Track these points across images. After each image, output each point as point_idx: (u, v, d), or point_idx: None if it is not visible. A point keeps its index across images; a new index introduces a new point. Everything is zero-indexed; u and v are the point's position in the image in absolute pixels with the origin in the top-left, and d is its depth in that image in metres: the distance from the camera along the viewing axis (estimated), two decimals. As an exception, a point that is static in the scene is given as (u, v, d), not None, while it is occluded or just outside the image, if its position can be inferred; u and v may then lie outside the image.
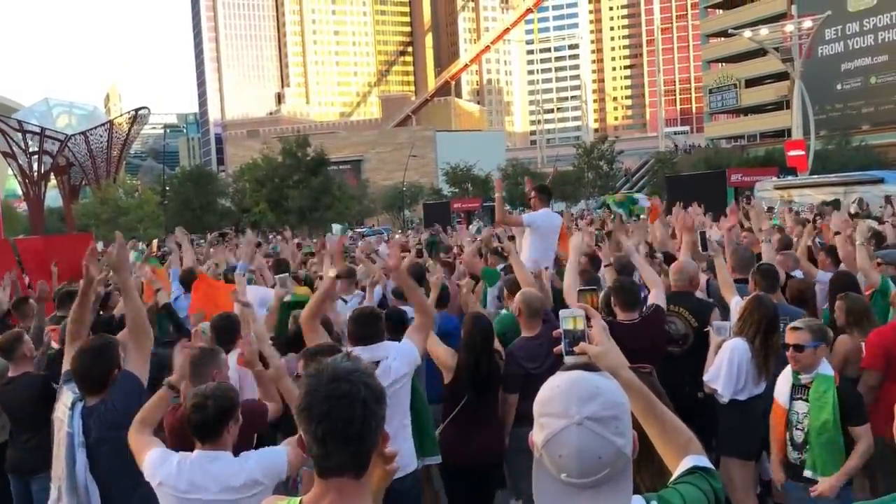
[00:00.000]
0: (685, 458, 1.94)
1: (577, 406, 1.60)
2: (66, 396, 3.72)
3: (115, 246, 4.07)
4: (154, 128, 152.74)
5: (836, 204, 10.02)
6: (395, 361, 4.16)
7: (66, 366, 3.87)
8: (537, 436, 1.64)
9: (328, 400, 1.71)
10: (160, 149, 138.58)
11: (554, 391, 1.66)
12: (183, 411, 3.24)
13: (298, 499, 1.83)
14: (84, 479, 3.51)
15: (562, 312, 2.03)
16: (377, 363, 4.05)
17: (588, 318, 2.01)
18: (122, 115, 77.55)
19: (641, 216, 15.14)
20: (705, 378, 5.00)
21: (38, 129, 67.91)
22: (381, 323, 4.38)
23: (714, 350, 5.01)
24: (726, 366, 4.84)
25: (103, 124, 73.46)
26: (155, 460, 3.14)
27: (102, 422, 3.56)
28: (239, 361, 4.24)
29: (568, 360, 1.97)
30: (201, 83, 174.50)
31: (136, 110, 74.02)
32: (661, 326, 5.48)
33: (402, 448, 4.10)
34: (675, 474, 1.93)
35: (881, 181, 25.61)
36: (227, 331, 4.84)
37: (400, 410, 4.20)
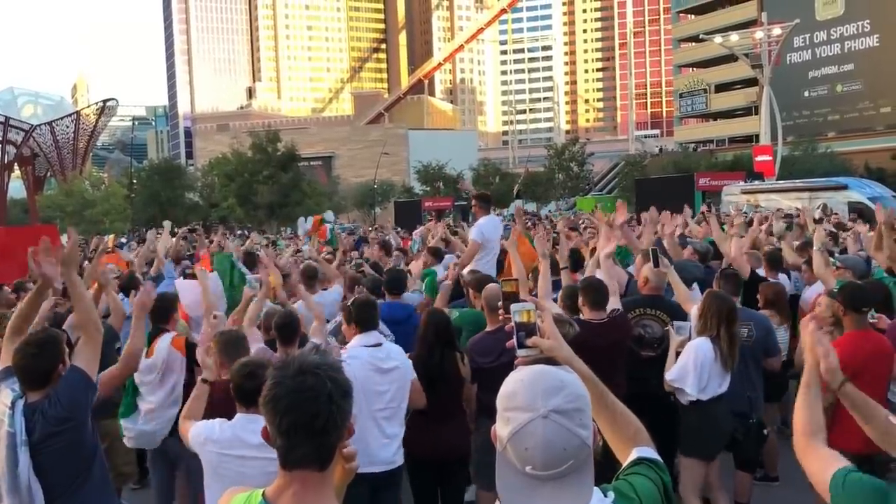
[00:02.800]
0: (633, 449, 1.97)
1: (542, 399, 1.61)
2: (5, 395, 3.58)
3: (69, 241, 4.06)
4: (122, 120, 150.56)
5: (788, 219, 10.26)
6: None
7: (3, 362, 3.73)
8: (502, 429, 1.64)
9: (294, 393, 1.71)
10: (128, 141, 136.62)
11: (518, 385, 1.67)
12: (223, 384, 3.78)
13: (261, 490, 1.83)
14: (27, 479, 3.37)
15: (513, 306, 2.04)
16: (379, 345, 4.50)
17: (539, 311, 2.03)
18: (89, 106, 76.23)
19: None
20: (668, 377, 5.04)
21: (1, 119, 66.66)
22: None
23: (674, 350, 5.06)
24: (692, 365, 4.89)
25: (70, 115, 72.42)
26: (199, 426, 3.56)
27: (47, 418, 3.44)
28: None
29: (521, 353, 1.97)
30: (171, 76, 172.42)
31: (105, 101, 72.96)
32: (628, 328, 5.53)
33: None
34: (624, 465, 1.96)
35: (845, 188, 26.12)
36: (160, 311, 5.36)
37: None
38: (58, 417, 3.46)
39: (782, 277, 7.50)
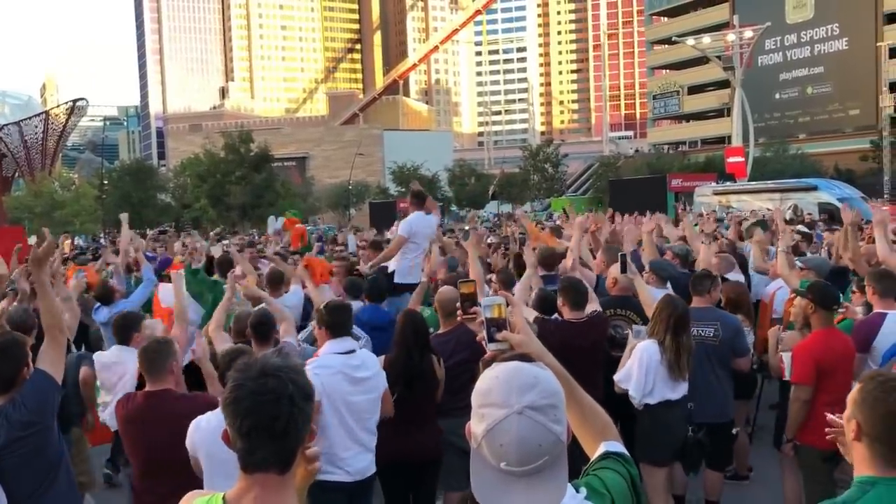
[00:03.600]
0: (601, 443, 1.99)
1: (517, 395, 1.61)
2: None
3: (44, 242, 4.00)
4: (93, 120, 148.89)
5: (762, 224, 10.39)
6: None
7: None
8: (476, 426, 1.64)
9: (254, 395, 1.69)
10: (99, 141, 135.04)
11: (492, 382, 1.67)
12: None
13: (222, 494, 1.80)
14: None
15: (483, 301, 2.05)
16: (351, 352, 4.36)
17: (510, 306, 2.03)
18: (59, 106, 75.15)
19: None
20: (616, 378, 5.06)
21: (-31, 118, 65.61)
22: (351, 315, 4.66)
23: (628, 352, 5.07)
24: (636, 368, 4.90)
25: (39, 114, 71.34)
26: (191, 427, 3.54)
27: (11, 423, 3.36)
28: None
29: (491, 346, 1.99)
30: (143, 75, 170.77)
31: (75, 101, 71.91)
32: (605, 328, 5.54)
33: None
34: (592, 459, 1.98)
35: (815, 188, 26.51)
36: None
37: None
38: (23, 422, 3.38)
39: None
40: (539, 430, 1.60)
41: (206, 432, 3.44)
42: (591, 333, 5.23)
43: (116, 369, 5.27)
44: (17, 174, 67.87)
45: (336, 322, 4.38)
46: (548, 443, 1.60)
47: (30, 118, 69.88)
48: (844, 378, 4.85)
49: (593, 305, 5.45)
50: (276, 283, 7.06)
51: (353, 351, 4.35)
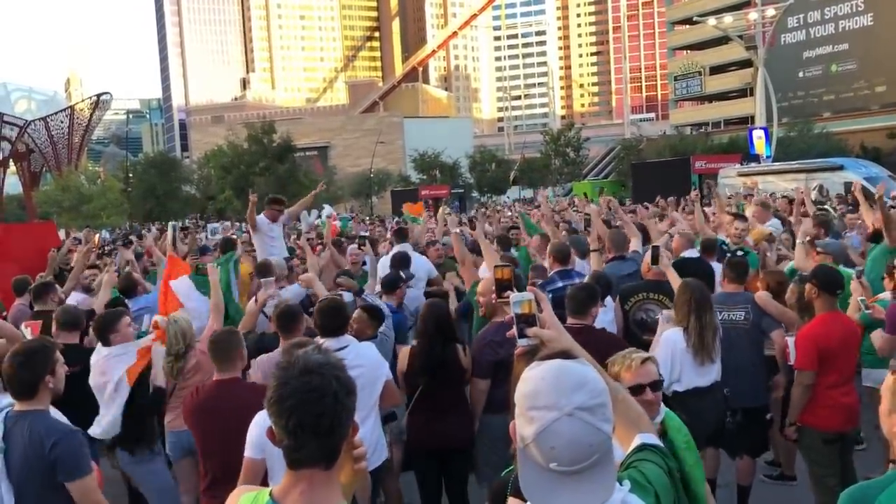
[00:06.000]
0: (636, 434, 2.00)
1: (566, 397, 1.63)
2: None
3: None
4: (116, 113, 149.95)
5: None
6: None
7: None
8: (525, 429, 1.65)
9: (299, 393, 1.73)
10: (123, 135, 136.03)
11: (539, 384, 1.68)
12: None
13: (268, 490, 1.85)
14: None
15: (511, 297, 2.05)
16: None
17: (538, 302, 2.04)
18: (83, 101, 75.88)
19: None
20: None
21: (-5, 115, 66.44)
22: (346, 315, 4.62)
23: (657, 339, 5.10)
24: (661, 356, 4.92)
25: (64, 110, 72.08)
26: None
27: (29, 457, 3.31)
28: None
29: (521, 342, 2.00)
30: (164, 68, 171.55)
31: (98, 95, 72.59)
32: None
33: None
34: (628, 452, 1.99)
35: (841, 168, 26.12)
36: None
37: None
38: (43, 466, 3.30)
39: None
40: (590, 430, 1.61)
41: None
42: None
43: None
44: (44, 169, 68.74)
45: (325, 325, 4.49)
46: (598, 442, 1.62)
47: (55, 113, 70.61)
48: (847, 360, 4.92)
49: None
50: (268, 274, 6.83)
51: (346, 346, 4.39)
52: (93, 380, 4.89)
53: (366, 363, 4.41)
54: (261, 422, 3.48)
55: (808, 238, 6.81)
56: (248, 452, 3.57)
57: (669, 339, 4.92)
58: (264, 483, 3.44)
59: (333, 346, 4.28)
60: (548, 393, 1.64)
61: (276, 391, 1.75)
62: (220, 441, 3.97)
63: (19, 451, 3.30)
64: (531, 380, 1.70)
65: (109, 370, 4.84)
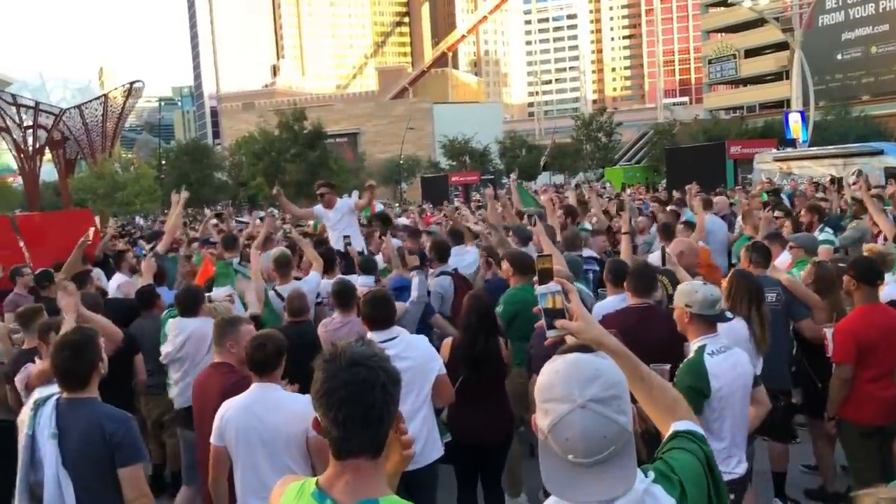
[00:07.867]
0: (672, 423, 1.99)
1: (578, 389, 1.66)
2: (32, 399, 3.54)
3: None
4: (149, 101, 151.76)
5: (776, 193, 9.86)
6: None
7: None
8: (542, 421, 1.70)
9: (348, 385, 1.74)
10: (155, 122, 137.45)
11: (554, 376, 1.72)
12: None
13: (315, 479, 1.86)
14: (55, 472, 3.31)
15: (538, 290, 2.05)
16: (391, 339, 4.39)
17: (566, 294, 2.03)
18: (116, 89, 76.68)
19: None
20: None
21: (32, 104, 67.46)
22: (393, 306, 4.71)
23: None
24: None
25: (98, 98, 72.92)
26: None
27: (95, 442, 3.36)
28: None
29: (550, 334, 2.01)
30: (196, 56, 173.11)
31: (131, 83, 73.36)
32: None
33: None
34: (663, 441, 1.98)
35: (881, 153, 25.50)
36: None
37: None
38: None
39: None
40: (603, 422, 1.64)
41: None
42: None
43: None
44: (79, 156, 69.79)
45: (373, 316, 4.52)
46: (613, 433, 1.65)
47: (89, 102, 71.51)
48: (889, 353, 4.79)
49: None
50: (286, 266, 6.90)
51: (394, 338, 4.42)
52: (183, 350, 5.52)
53: (416, 356, 4.39)
54: (223, 412, 3.71)
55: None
56: (213, 440, 3.76)
57: (733, 329, 4.82)
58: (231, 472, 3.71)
59: (382, 338, 4.33)
60: (561, 385, 1.69)
61: (325, 384, 1.76)
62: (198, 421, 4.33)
63: (75, 438, 3.35)
64: (547, 373, 1.75)
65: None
